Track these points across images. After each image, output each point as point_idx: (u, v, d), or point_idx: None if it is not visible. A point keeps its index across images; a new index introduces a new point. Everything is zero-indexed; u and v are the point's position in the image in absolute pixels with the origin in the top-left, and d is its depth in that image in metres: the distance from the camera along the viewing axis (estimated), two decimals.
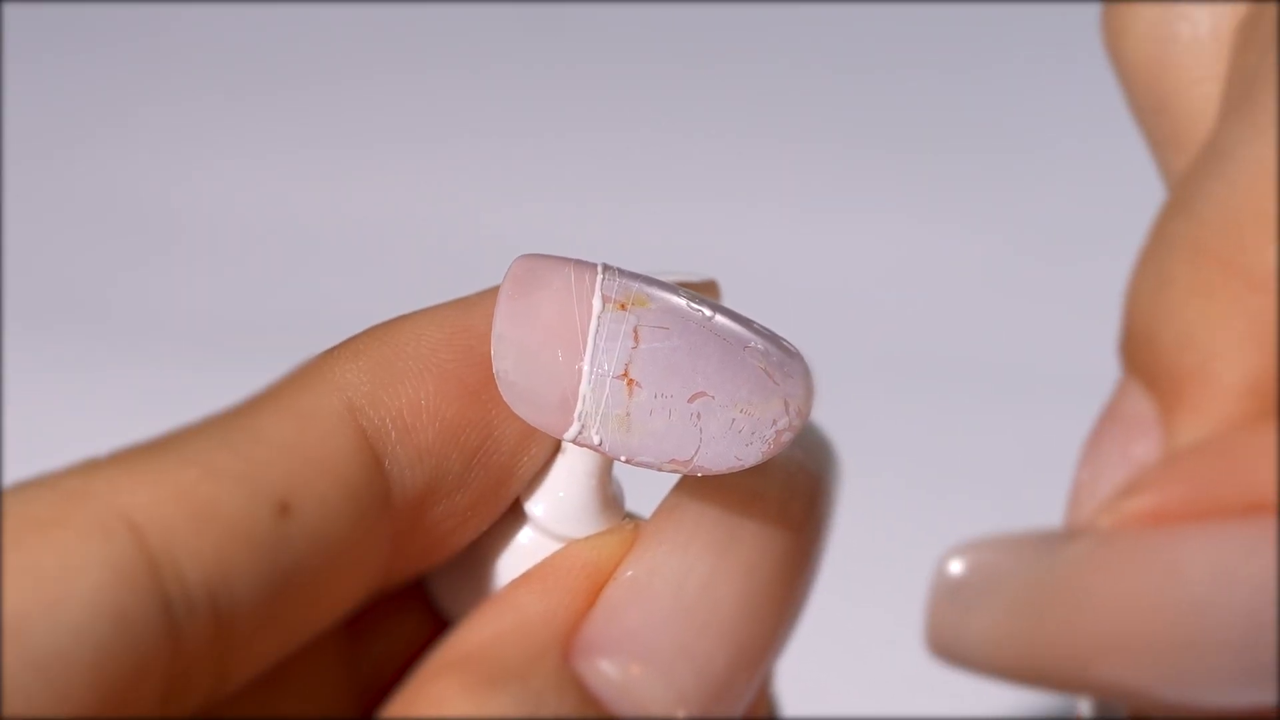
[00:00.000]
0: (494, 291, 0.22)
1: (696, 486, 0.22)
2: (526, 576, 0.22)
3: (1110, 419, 0.21)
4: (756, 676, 0.21)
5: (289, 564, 0.20)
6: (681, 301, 0.21)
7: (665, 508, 0.22)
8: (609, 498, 0.23)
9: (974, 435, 0.50)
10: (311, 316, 0.54)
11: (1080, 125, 0.59)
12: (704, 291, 0.23)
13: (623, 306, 0.21)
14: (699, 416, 0.21)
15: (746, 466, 0.21)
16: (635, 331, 0.21)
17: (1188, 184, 0.20)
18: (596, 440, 0.21)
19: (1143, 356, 0.20)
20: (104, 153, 0.61)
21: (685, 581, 0.21)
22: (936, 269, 0.56)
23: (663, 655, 0.20)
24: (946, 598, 0.19)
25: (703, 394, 0.21)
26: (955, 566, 0.19)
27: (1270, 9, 0.20)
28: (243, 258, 0.58)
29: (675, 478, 0.22)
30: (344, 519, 0.21)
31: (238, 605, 0.20)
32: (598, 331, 0.21)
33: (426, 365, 0.22)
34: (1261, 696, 0.18)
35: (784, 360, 0.21)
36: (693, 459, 0.21)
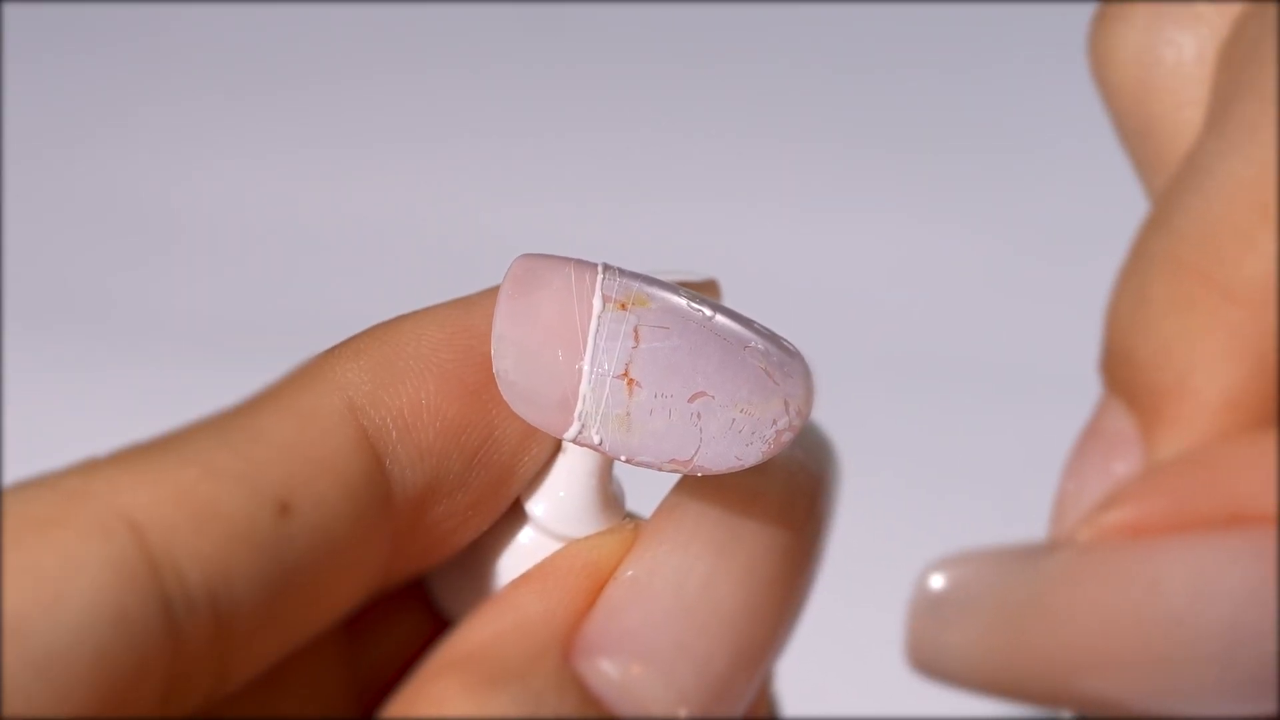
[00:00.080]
0: (495, 291, 0.22)
1: (697, 486, 0.22)
2: (527, 576, 0.22)
3: (1091, 436, 0.21)
4: (757, 676, 0.21)
5: (289, 564, 0.20)
6: (682, 301, 0.21)
7: (665, 507, 0.22)
8: (609, 497, 0.23)
9: (974, 435, 0.50)
10: (311, 316, 0.54)
11: (1080, 125, 0.59)
12: (704, 291, 0.23)
13: (623, 306, 0.21)
14: (699, 416, 0.21)
15: (746, 466, 0.21)
16: (635, 331, 0.21)
17: (1166, 200, 0.20)
18: (597, 440, 0.21)
19: (1122, 373, 0.20)
20: (104, 153, 0.61)
21: (685, 581, 0.21)
22: (936, 269, 0.56)
23: (663, 655, 0.20)
24: (926, 612, 0.19)
25: (703, 394, 0.21)
26: (936, 581, 0.19)
27: (1248, 28, 0.20)
28: (243, 258, 0.58)
29: (675, 477, 0.22)
30: (344, 519, 0.21)
31: (238, 605, 0.20)
32: (598, 331, 0.21)
33: (427, 365, 0.22)
34: (1244, 709, 0.18)
35: (784, 360, 0.21)
36: (693, 459, 0.21)
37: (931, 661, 0.19)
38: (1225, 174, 0.19)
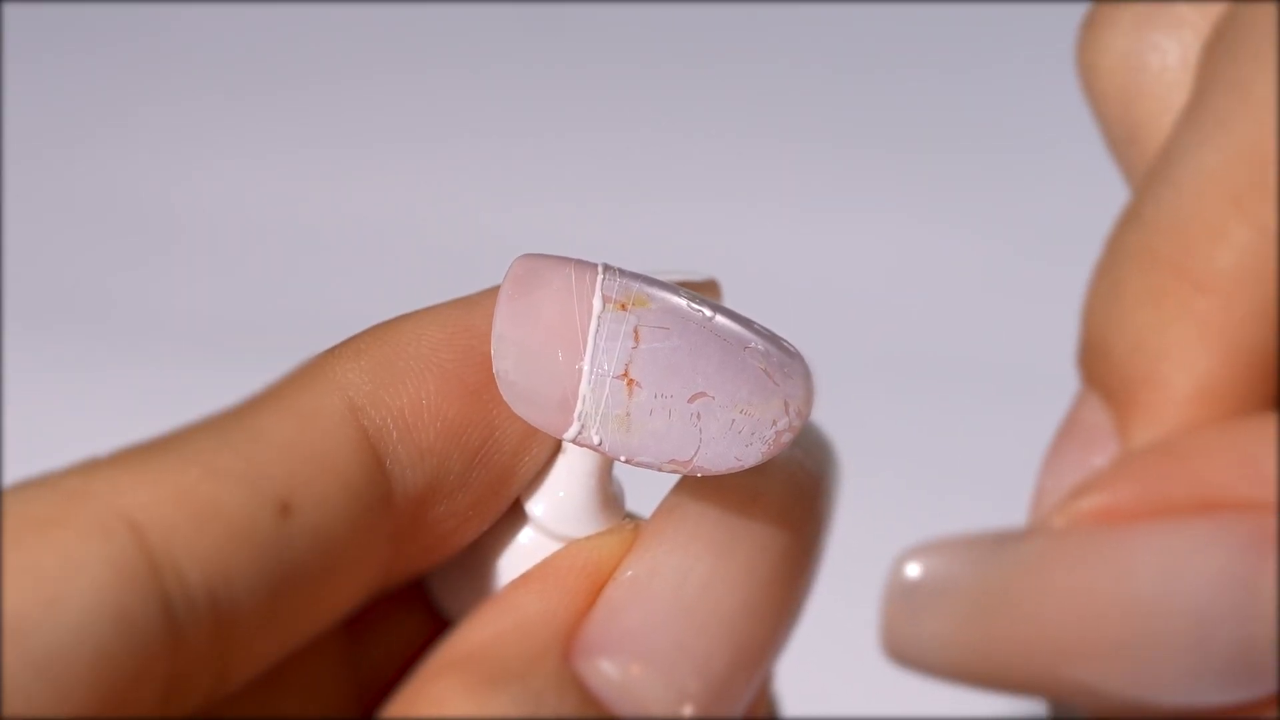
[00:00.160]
0: (495, 291, 0.22)
1: (696, 487, 0.22)
2: (526, 576, 0.22)
3: (1069, 430, 0.21)
4: (757, 676, 0.21)
5: (290, 564, 0.20)
6: (682, 302, 0.21)
7: (665, 508, 0.22)
8: (609, 497, 0.23)
9: (974, 435, 0.50)
10: (311, 316, 0.54)
11: (1079, 126, 0.59)
12: (705, 291, 0.23)
13: (623, 306, 0.21)
14: (699, 417, 0.21)
15: (746, 467, 0.21)
16: (635, 331, 0.21)
17: (1140, 193, 0.20)
18: (596, 440, 0.21)
19: (1097, 366, 0.20)
20: (104, 153, 0.61)
21: (685, 581, 0.21)
22: (936, 269, 0.56)
23: (663, 655, 0.20)
24: (900, 600, 0.19)
25: (703, 394, 0.21)
26: (912, 569, 0.19)
27: (1224, 25, 0.20)
28: (243, 258, 0.58)
29: (675, 478, 0.22)
30: (345, 519, 0.21)
31: (238, 605, 0.20)
32: (598, 331, 0.21)
33: (428, 365, 0.22)
34: (1220, 695, 0.18)
35: (784, 361, 0.21)
36: (692, 459, 0.21)
37: (905, 650, 0.19)
38: (1196, 166, 0.19)
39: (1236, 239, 0.19)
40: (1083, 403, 0.21)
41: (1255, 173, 0.19)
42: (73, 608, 0.18)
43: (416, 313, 0.22)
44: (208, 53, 0.66)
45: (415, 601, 0.24)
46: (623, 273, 0.21)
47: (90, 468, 0.20)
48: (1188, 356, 0.19)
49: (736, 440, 0.21)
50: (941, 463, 0.49)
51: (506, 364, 0.21)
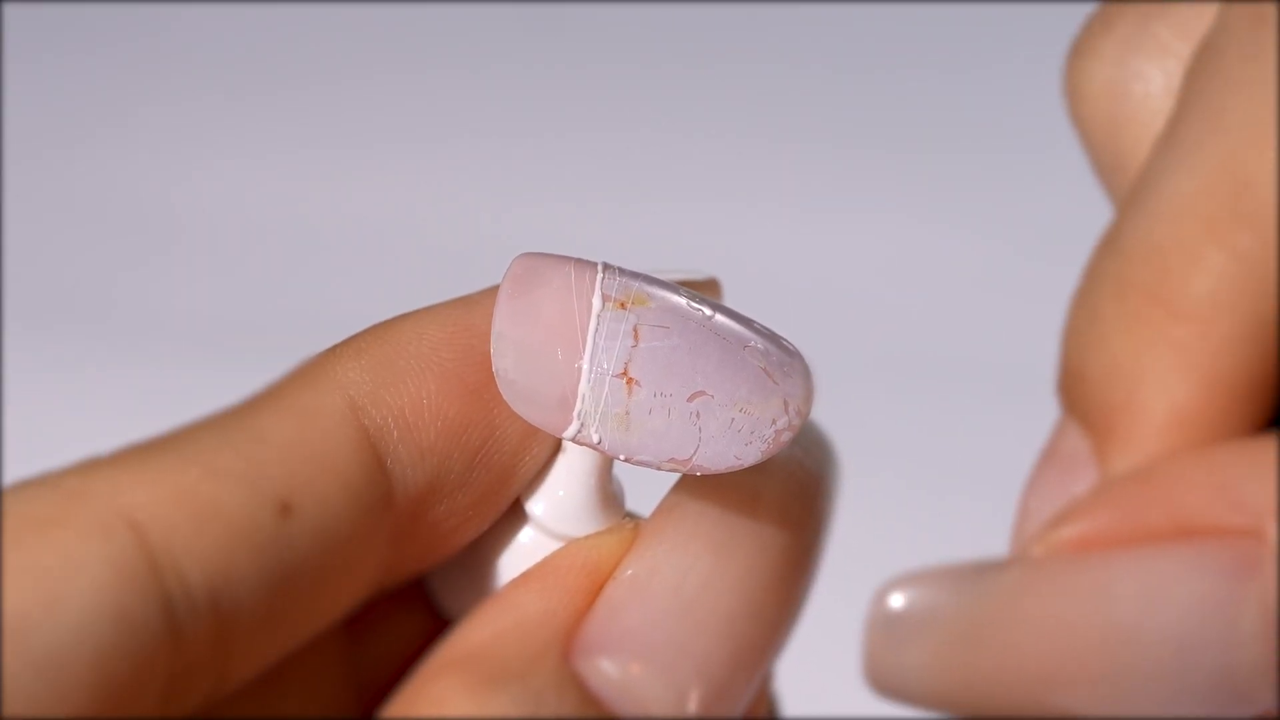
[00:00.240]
0: (496, 290, 0.22)
1: (696, 486, 0.22)
2: (526, 576, 0.22)
3: (1049, 458, 0.21)
4: (757, 675, 0.21)
5: (290, 563, 0.20)
6: (681, 300, 0.21)
7: (665, 507, 0.22)
8: (609, 497, 0.23)
9: (974, 435, 0.50)
10: (312, 316, 0.54)
11: None
12: (706, 290, 0.23)
13: (622, 305, 0.21)
14: (698, 415, 0.21)
15: (746, 466, 0.21)
16: (635, 330, 0.21)
17: (1117, 221, 0.20)
18: (596, 439, 0.21)
19: (1076, 393, 0.21)
20: (104, 153, 0.61)
21: (685, 580, 0.21)
22: (936, 269, 0.56)
23: (663, 654, 0.20)
24: (882, 631, 0.19)
25: (702, 393, 0.21)
26: (894, 600, 0.19)
27: (1200, 54, 0.20)
28: (243, 258, 0.58)
29: (675, 477, 0.22)
30: (345, 518, 0.21)
31: (239, 605, 0.20)
32: (597, 330, 0.21)
33: (428, 364, 0.22)
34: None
35: (783, 360, 0.21)
36: (692, 458, 0.21)
37: (888, 681, 0.19)
38: (1170, 192, 0.19)
39: (1211, 265, 0.19)
40: (1062, 430, 0.21)
41: (1229, 199, 0.19)
42: (73, 608, 0.18)
43: (417, 312, 0.22)
44: (208, 53, 0.66)
45: (415, 601, 0.24)
46: (622, 271, 0.21)
47: (90, 467, 0.20)
48: (1164, 383, 0.19)
49: (736, 439, 0.21)
50: (941, 462, 0.49)
51: (506, 362, 0.21)
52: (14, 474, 0.21)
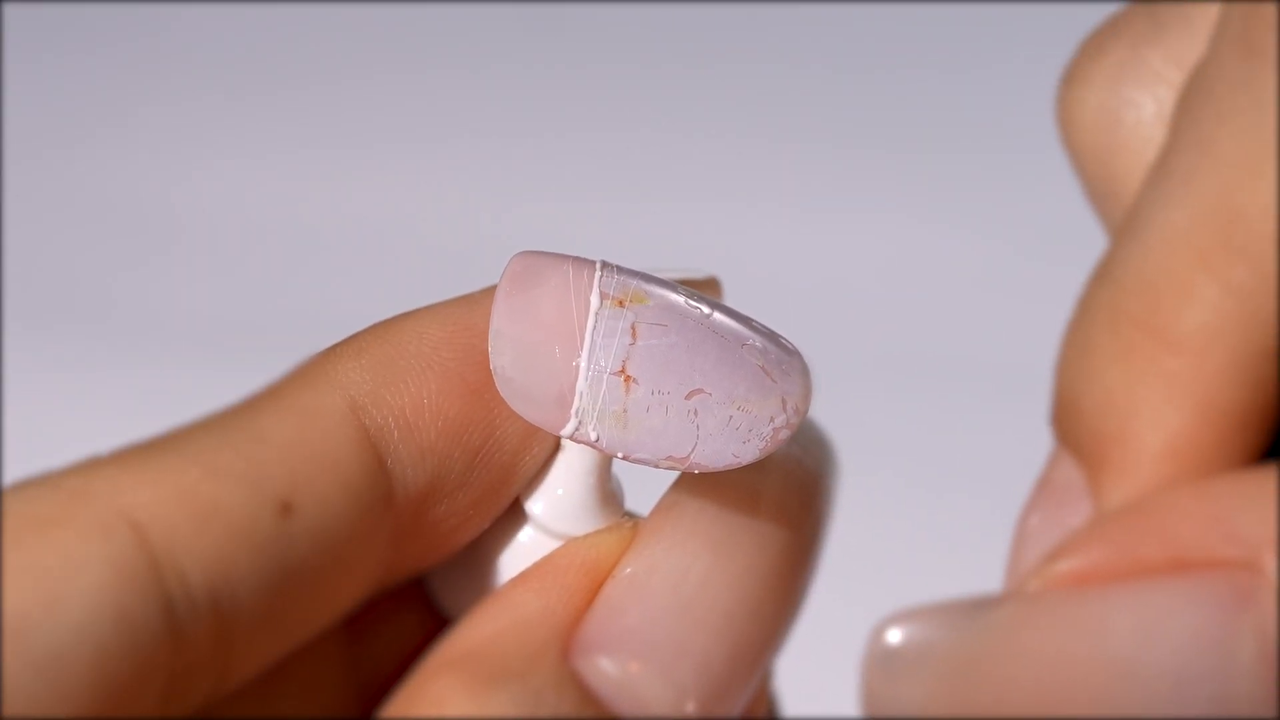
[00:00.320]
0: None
1: (695, 484, 0.22)
2: (525, 575, 0.22)
3: (1043, 489, 0.21)
4: (755, 674, 0.21)
5: (290, 563, 0.20)
6: (679, 299, 0.21)
7: (664, 505, 0.22)
8: (608, 495, 0.23)
9: (974, 435, 0.50)
10: (312, 316, 0.54)
11: None
12: (705, 289, 0.23)
13: (621, 303, 0.21)
14: (696, 413, 0.21)
15: (744, 464, 0.21)
16: (633, 328, 0.21)
17: (1110, 252, 0.20)
18: (593, 437, 0.21)
19: (1069, 425, 0.21)
20: (104, 153, 0.61)
21: (684, 579, 0.21)
22: (935, 268, 0.57)
23: (662, 653, 0.20)
24: (880, 666, 0.19)
25: (700, 391, 0.21)
26: (893, 636, 0.19)
27: (1191, 83, 0.20)
28: (243, 258, 0.58)
29: (674, 476, 0.22)
30: (346, 518, 0.21)
31: (239, 604, 0.20)
32: (595, 328, 0.21)
33: (429, 363, 0.22)
34: None
35: (782, 358, 0.21)
36: (690, 456, 0.21)
37: (887, 715, 0.19)
38: (1162, 224, 0.19)
39: (1204, 297, 0.19)
40: (1056, 461, 0.21)
41: (1221, 231, 0.19)
42: (73, 607, 0.18)
43: (417, 311, 0.22)
44: (208, 53, 0.66)
45: (415, 601, 0.24)
46: (620, 269, 0.21)
47: (91, 467, 0.20)
48: (1158, 415, 0.19)
49: (734, 437, 0.21)
50: (940, 462, 0.49)
51: (504, 360, 0.21)
52: (14, 474, 0.21)
